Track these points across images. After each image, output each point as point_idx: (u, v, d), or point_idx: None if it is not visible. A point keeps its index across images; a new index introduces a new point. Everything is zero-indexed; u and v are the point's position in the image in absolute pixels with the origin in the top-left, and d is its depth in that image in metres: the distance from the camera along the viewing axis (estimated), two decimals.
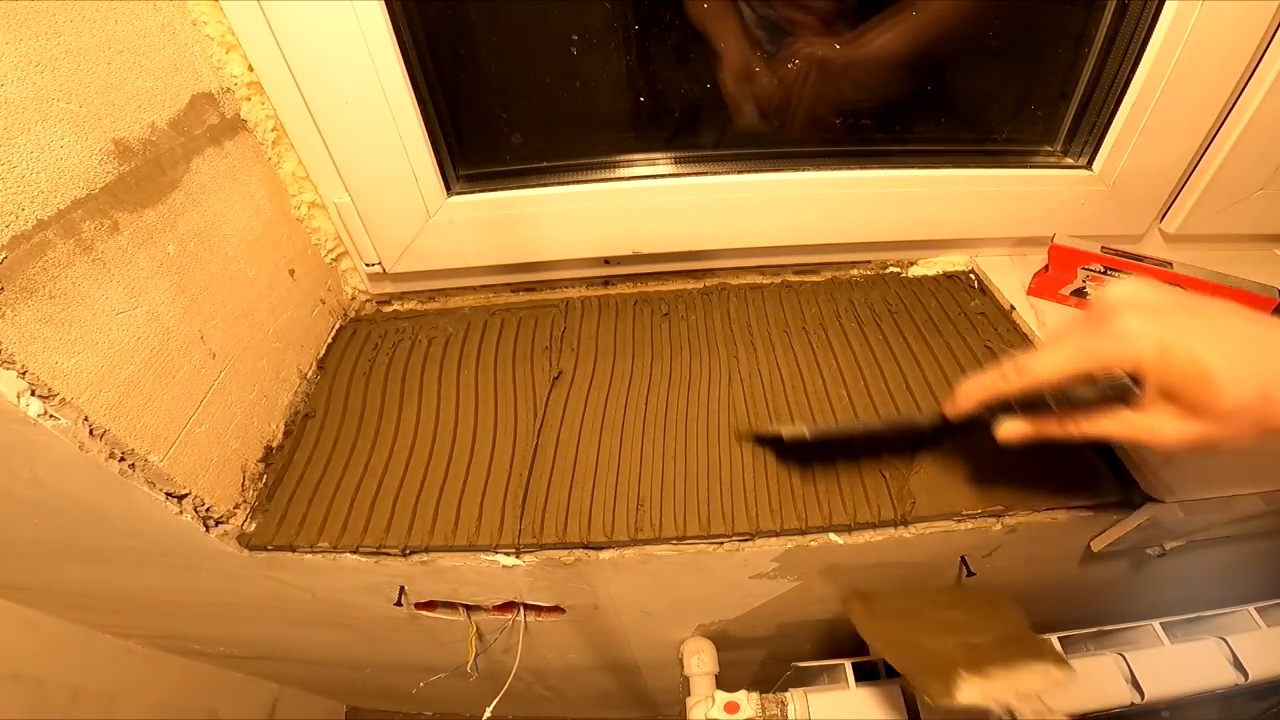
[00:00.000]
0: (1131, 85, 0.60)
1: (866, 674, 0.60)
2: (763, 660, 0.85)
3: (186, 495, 0.49)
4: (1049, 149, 0.69)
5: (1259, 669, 0.54)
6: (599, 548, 0.53)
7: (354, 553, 0.54)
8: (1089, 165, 0.67)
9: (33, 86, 0.39)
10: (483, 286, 0.78)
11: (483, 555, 0.53)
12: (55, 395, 0.40)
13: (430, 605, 0.65)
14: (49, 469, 0.44)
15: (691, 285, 0.79)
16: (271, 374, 0.61)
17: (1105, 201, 0.68)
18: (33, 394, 0.39)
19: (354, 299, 0.77)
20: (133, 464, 0.45)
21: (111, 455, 0.43)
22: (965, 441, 0.56)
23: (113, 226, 0.44)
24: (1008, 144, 0.69)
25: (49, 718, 0.72)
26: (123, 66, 0.45)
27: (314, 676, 1.08)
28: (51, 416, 0.40)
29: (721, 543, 0.53)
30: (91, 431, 0.42)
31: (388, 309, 0.78)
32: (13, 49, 0.38)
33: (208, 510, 0.51)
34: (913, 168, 0.67)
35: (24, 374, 0.38)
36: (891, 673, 0.59)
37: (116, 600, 0.70)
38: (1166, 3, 0.55)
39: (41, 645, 0.74)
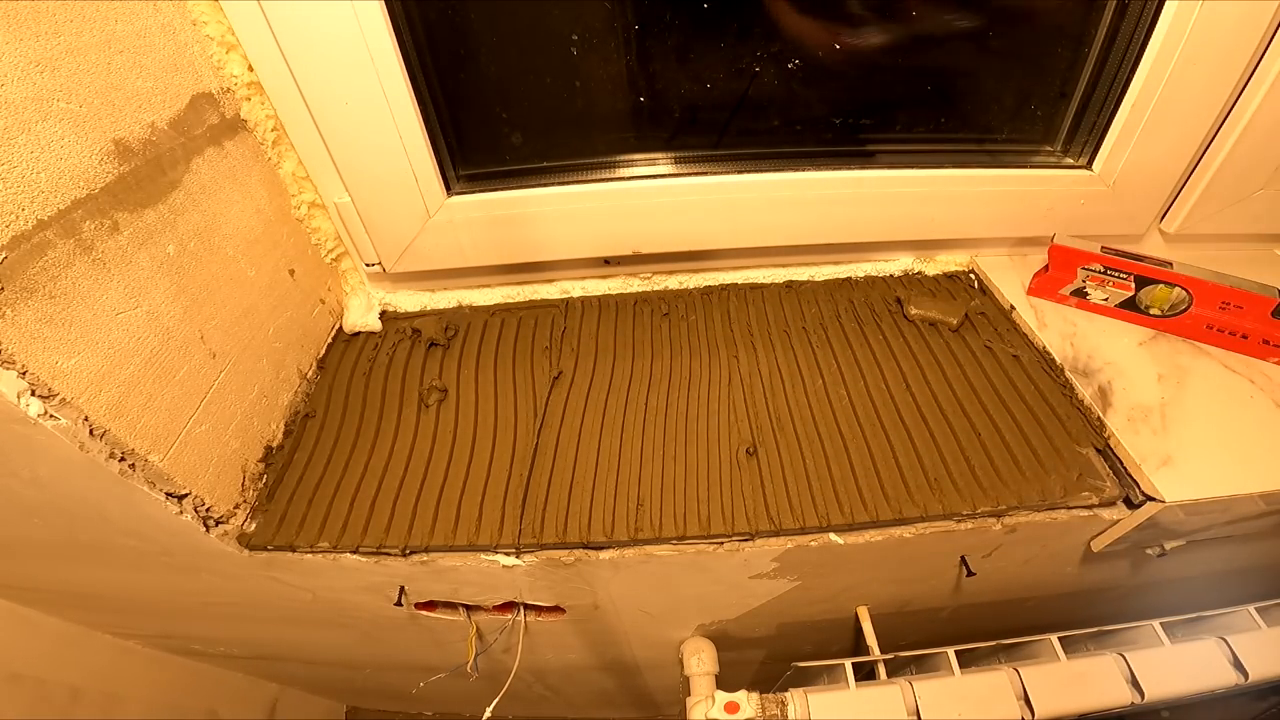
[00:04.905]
0: (1131, 85, 0.60)
1: (866, 674, 0.60)
2: (763, 660, 0.85)
3: (186, 495, 0.49)
4: (1049, 149, 0.69)
5: (1259, 669, 0.54)
6: (599, 548, 0.53)
7: (354, 553, 0.54)
8: (1089, 165, 0.67)
9: (33, 86, 0.39)
10: (482, 287, 0.78)
11: (483, 555, 0.53)
12: (55, 395, 0.39)
13: (430, 605, 0.65)
14: (49, 469, 0.44)
15: (692, 285, 0.79)
16: (271, 374, 0.60)
17: (1105, 201, 0.68)
18: (33, 394, 0.39)
19: None
20: (133, 464, 0.45)
21: (111, 455, 0.43)
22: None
23: (113, 226, 0.44)
24: (1008, 144, 0.69)
25: (49, 717, 0.72)
26: (123, 66, 0.45)
27: (314, 676, 1.08)
28: (51, 416, 0.39)
29: (721, 543, 0.53)
30: (92, 431, 0.42)
31: (388, 309, 0.78)
32: (13, 49, 0.38)
33: (208, 510, 0.51)
34: (913, 168, 0.67)
35: (24, 374, 0.38)
36: (893, 673, 0.59)
37: (116, 600, 0.70)
38: (1166, 3, 0.55)
39: (42, 645, 0.73)
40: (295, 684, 1.14)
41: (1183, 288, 0.64)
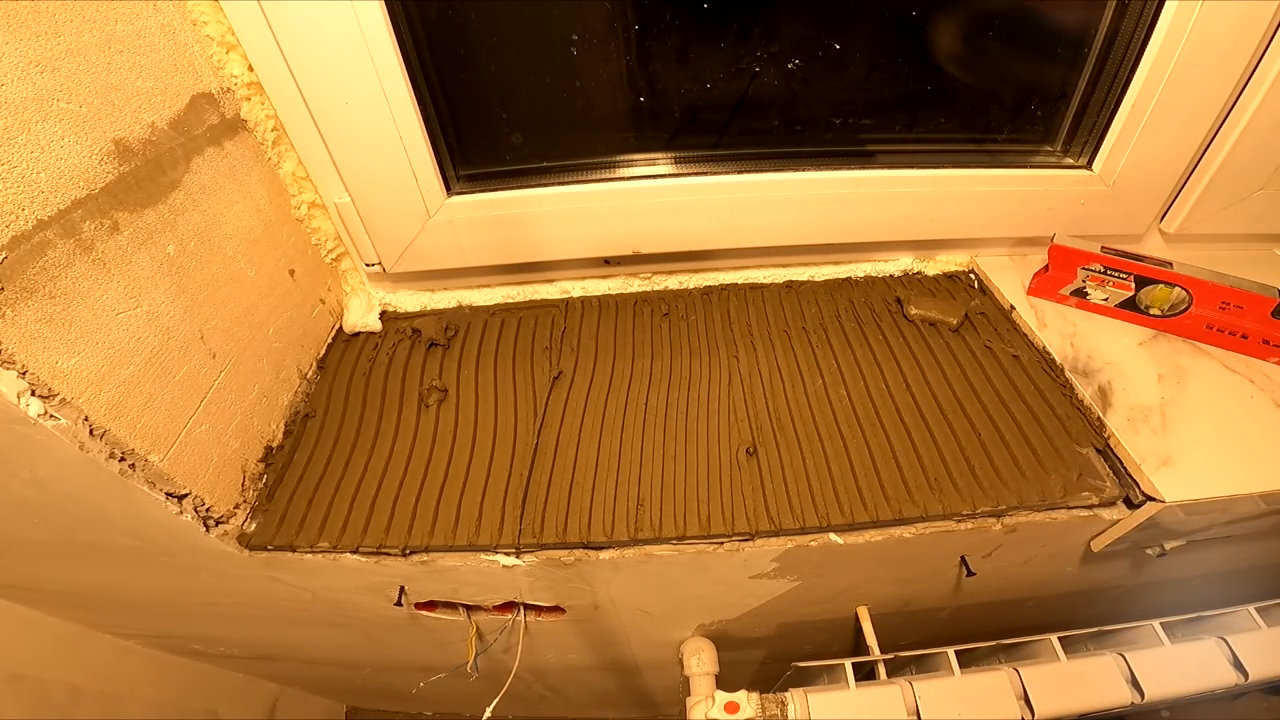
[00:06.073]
0: (1131, 85, 0.60)
1: (867, 674, 0.60)
2: (763, 660, 0.85)
3: (186, 495, 0.49)
4: (1049, 149, 0.69)
5: (1259, 669, 0.54)
6: (599, 548, 0.53)
7: (354, 553, 0.54)
8: (1089, 165, 0.67)
9: (33, 86, 0.39)
10: (482, 287, 0.78)
11: (483, 555, 0.53)
12: (55, 395, 0.39)
13: (430, 605, 0.65)
14: (49, 469, 0.44)
15: (692, 285, 0.79)
16: (271, 374, 0.60)
17: (1105, 201, 0.68)
18: (33, 394, 0.39)
19: None
20: (133, 464, 0.45)
21: (112, 455, 0.43)
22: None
23: (113, 226, 0.44)
24: (1008, 144, 0.69)
25: (49, 718, 0.72)
26: (123, 66, 0.45)
27: (314, 676, 1.08)
28: (52, 416, 0.39)
29: (721, 543, 0.53)
30: (92, 431, 0.42)
31: (388, 309, 0.78)
32: (13, 49, 0.38)
33: (208, 510, 0.51)
34: (913, 168, 0.67)
35: (24, 374, 0.38)
36: (893, 673, 0.59)
37: (117, 600, 0.70)
38: (1166, 3, 0.55)
39: (42, 645, 0.73)
40: (295, 684, 1.14)
41: (1183, 288, 0.64)
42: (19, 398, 0.38)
